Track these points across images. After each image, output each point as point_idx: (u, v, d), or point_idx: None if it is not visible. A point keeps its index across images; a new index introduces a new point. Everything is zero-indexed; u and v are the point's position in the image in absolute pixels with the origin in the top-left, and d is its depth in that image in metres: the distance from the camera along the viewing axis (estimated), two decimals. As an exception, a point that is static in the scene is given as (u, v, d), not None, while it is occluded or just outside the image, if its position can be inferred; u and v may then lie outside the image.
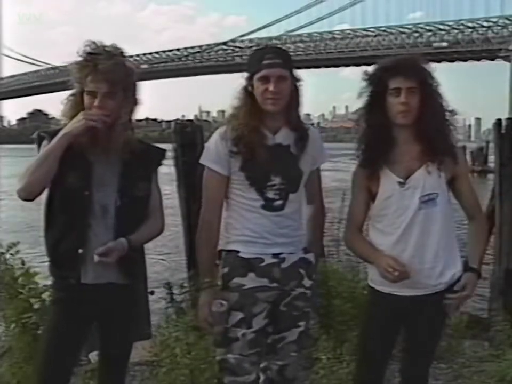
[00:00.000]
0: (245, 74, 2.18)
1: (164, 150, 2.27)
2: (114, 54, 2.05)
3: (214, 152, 2.18)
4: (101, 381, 2.27)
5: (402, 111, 2.10)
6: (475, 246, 2.23)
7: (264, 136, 2.16)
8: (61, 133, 2.01)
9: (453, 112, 2.19)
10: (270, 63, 2.10)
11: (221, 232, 2.24)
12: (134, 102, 2.12)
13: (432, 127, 2.11)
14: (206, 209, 2.21)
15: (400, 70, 2.10)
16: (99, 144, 2.06)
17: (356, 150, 2.24)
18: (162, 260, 10.81)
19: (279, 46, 2.31)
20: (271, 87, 2.09)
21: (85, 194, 2.05)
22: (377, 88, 2.14)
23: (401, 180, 2.14)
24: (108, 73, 2.00)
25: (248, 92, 2.16)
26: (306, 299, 2.25)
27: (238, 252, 2.18)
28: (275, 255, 2.18)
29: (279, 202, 2.18)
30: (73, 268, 2.06)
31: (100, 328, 2.19)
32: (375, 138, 2.16)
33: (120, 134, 2.05)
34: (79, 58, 2.04)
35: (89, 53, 2.03)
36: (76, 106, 2.06)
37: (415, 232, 2.14)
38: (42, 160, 1.99)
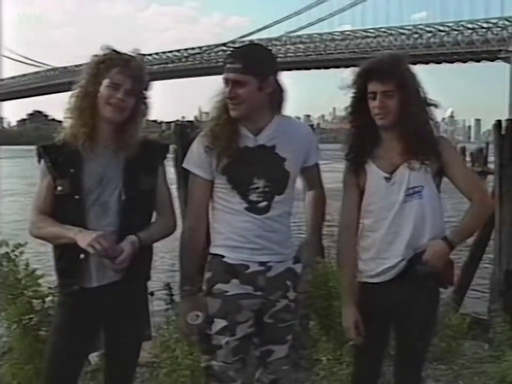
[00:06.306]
0: None
1: (167, 145, 2.31)
2: (141, 59, 2.13)
3: (196, 155, 2.15)
4: (108, 382, 2.25)
5: (378, 114, 2.15)
6: (460, 222, 2.21)
7: (244, 137, 2.10)
8: (78, 236, 1.97)
9: (436, 106, 2.21)
10: (228, 67, 2.06)
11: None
12: (146, 108, 2.17)
13: (412, 129, 2.14)
14: (189, 214, 2.17)
15: (376, 74, 2.14)
16: (107, 144, 2.09)
17: (343, 150, 2.27)
18: (162, 260, 10.81)
19: (255, 46, 2.07)
20: (226, 92, 2.07)
21: (75, 199, 2.04)
22: (358, 91, 2.20)
23: (387, 175, 2.17)
24: (137, 71, 2.07)
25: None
26: (291, 311, 2.20)
27: (223, 256, 2.12)
28: (262, 263, 2.11)
29: (264, 204, 2.10)
30: (76, 274, 2.06)
31: (106, 330, 2.17)
32: (360, 136, 2.22)
33: (133, 137, 2.10)
34: (100, 54, 2.07)
35: (115, 51, 2.07)
36: (83, 104, 2.06)
37: (402, 225, 2.15)
38: (54, 238, 2.06)
